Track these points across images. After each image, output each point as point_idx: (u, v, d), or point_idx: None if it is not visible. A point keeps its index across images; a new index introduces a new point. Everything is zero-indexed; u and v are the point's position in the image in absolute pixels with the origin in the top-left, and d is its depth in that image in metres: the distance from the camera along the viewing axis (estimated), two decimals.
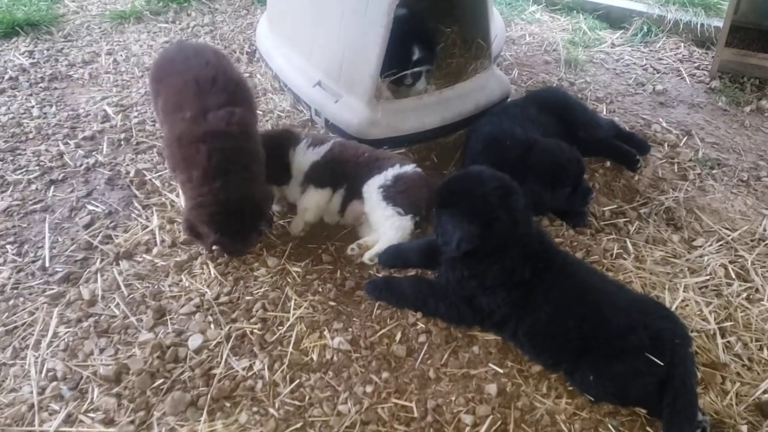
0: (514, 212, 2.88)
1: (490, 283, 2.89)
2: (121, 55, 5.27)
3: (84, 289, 3.22)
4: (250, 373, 2.83)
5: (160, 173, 3.96)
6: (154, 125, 4.41)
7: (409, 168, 3.51)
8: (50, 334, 3.00)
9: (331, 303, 3.15)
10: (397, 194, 3.38)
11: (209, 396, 2.73)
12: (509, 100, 4.28)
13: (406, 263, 3.36)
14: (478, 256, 2.89)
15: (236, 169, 3.12)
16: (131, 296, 3.20)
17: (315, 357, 2.89)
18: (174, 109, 3.25)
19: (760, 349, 2.98)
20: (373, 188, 3.42)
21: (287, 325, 3.03)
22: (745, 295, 3.24)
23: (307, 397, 2.74)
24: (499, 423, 2.65)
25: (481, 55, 4.41)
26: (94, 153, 4.15)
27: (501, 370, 2.86)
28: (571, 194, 3.53)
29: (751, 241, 3.58)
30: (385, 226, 3.37)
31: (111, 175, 3.97)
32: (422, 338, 3.00)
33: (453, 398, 2.75)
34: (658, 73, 5.17)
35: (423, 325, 3.05)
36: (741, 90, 4.91)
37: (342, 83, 4.05)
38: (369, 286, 3.21)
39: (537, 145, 3.57)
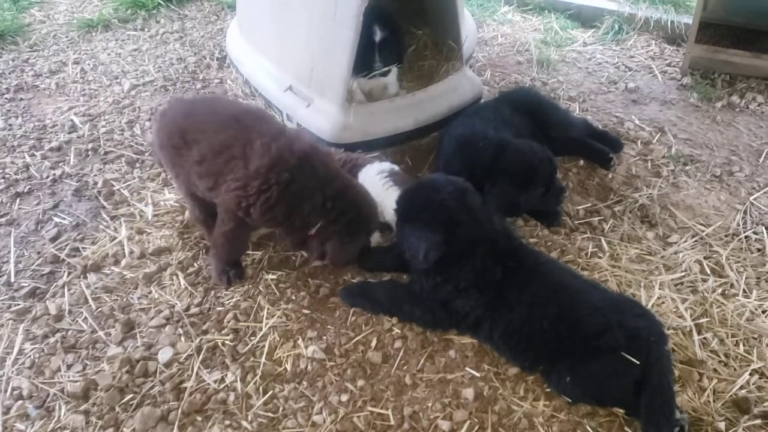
0: (473, 212, 2.89)
1: (464, 285, 2.87)
2: (89, 64, 5.18)
3: (50, 304, 3.15)
4: (222, 386, 2.78)
5: (128, 183, 3.89)
6: (122, 134, 4.34)
7: (393, 165, 3.58)
8: (15, 351, 2.93)
9: (305, 311, 3.10)
10: (399, 180, 3.38)
11: (180, 410, 2.68)
12: (482, 101, 4.25)
13: (381, 267, 3.33)
14: (448, 261, 2.87)
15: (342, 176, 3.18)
16: (99, 310, 3.13)
17: (289, 367, 2.85)
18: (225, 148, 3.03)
19: (736, 344, 2.97)
20: (372, 174, 3.41)
21: (260, 336, 2.98)
22: (720, 290, 3.24)
23: (281, 409, 2.70)
24: (477, 428, 2.63)
25: (453, 57, 4.38)
26: (60, 164, 4.07)
27: (478, 374, 2.83)
28: (545, 194, 3.51)
29: (725, 236, 3.58)
30: None
31: (78, 186, 3.89)
32: (398, 344, 2.96)
33: (430, 404, 2.72)
34: (630, 71, 5.17)
35: (399, 331, 3.01)
36: (712, 86, 4.93)
37: (313, 87, 4.00)
38: (344, 292, 3.17)
39: (509, 146, 3.55)
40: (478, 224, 2.88)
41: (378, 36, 3.95)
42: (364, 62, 3.98)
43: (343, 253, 3.13)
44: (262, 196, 2.91)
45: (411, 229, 2.92)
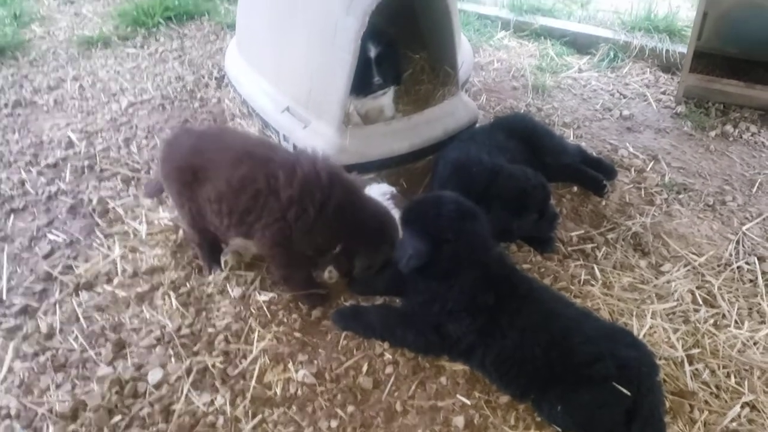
0: (466, 236, 2.92)
1: (452, 308, 2.88)
2: (88, 81, 5.21)
3: (42, 322, 3.14)
4: (211, 409, 2.76)
5: (123, 200, 3.90)
6: (118, 151, 4.35)
7: (392, 188, 3.62)
8: (5, 369, 2.91)
9: (296, 334, 3.09)
10: (399, 203, 3.41)
11: None
12: (477, 125, 4.28)
13: (374, 290, 3.33)
14: (434, 278, 2.92)
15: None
16: (90, 329, 3.12)
17: (279, 391, 2.83)
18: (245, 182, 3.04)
19: (728, 376, 2.97)
20: (375, 195, 3.42)
21: (250, 358, 2.96)
22: (712, 321, 3.24)
23: None
24: None
25: (449, 82, 4.41)
26: (56, 180, 4.07)
27: (469, 402, 2.82)
28: (538, 220, 3.52)
29: (718, 266, 3.60)
30: None
31: (73, 203, 3.89)
32: (389, 369, 2.95)
33: (420, 431, 2.70)
34: (624, 98, 5.22)
35: (390, 356, 3.00)
36: (706, 115, 4.97)
37: (310, 109, 4.02)
38: (336, 315, 3.16)
39: (502, 172, 3.56)
40: (468, 247, 2.90)
41: (373, 52, 3.95)
42: (362, 81, 3.98)
43: (370, 266, 3.18)
44: (299, 222, 2.99)
45: (406, 233, 3.02)
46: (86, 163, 4.23)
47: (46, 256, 3.52)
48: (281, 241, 3.05)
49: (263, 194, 2.99)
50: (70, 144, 4.43)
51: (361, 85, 3.98)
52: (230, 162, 3.06)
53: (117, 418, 2.71)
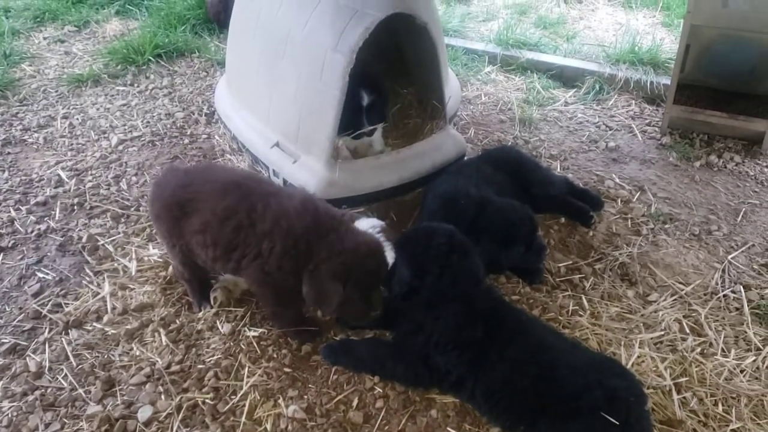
0: (450, 270, 2.99)
1: (438, 339, 2.90)
2: (78, 119, 5.25)
3: (30, 361, 3.13)
4: None
5: (113, 238, 3.91)
6: (108, 188, 4.37)
7: (380, 222, 3.59)
8: None
9: (286, 369, 3.09)
10: (389, 236, 3.39)
11: None
12: (465, 158, 4.33)
13: (364, 324, 3.33)
14: (419, 309, 2.99)
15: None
16: (80, 367, 3.11)
17: (269, 427, 2.82)
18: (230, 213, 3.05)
19: (715, 404, 2.98)
20: (364, 228, 3.39)
21: (240, 394, 2.96)
22: (699, 349, 3.26)
23: None
24: None
25: (437, 116, 4.47)
26: (46, 219, 4.09)
27: None
28: (526, 252, 3.55)
29: (704, 294, 3.63)
30: None
31: (63, 240, 3.90)
32: (379, 403, 2.95)
33: None
34: (610, 130, 5.29)
35: (380, 390, 3.00)
36: (691, 145, 5.04)
37: (299, 144, 4.07)
38: (325, 350, 3.16)
39: (490, 204, 3.61)
40: (451, 280, 2.98)
41: (366, 101, 4.06)
42: (352, 124, 4.09)
43: (358, 302, 3.05)
44: (271, 256, 2.98)
45: (397, 259, 3.11)
46: (76, 200, 4.25)
47: (36, 295, 3.52)
48: (263, 277, 3.05)
49: (244, 227, 3.01)
50: (60, 182, 4.45)
51: (350, 127, 4.08)
52: (216, 193, 3.10)
53: None
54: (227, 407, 2.90)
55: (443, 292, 2.93)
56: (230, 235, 3.02)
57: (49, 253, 3.81)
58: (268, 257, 2.98)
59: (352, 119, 4.05)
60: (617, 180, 4.60)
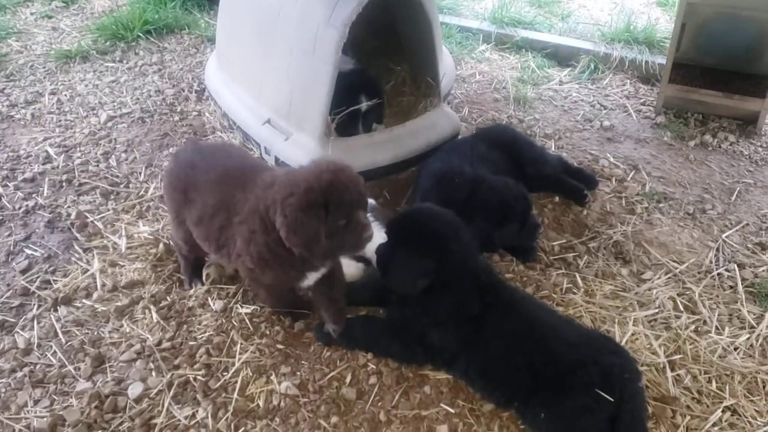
0: (464, 245, 2.91)
1: (442, 318, 2.86)
2: (66, 95, 5.17)
3: (19, 338, 3.10)
4: (192, 422, 2.73)
5: (102, 214, 3.86)
6: (97, 165, 4.32)
7: (372, 200, 3.51)
8: None
9: (279, 346, 3.07)
10: (380, 215, 3.36)
11: None
12: (459, 137, 4.29)
13: (357, 301, 3.31)
14: (430, 291, 2.88)
15: None
16: (69, 344, 3.08)
17: (261, 403, 2.80)
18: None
19: (709, 381, 2.98)
20: None
21: (232, 371, 2.93)
22: (693, 327, 3.25)
23: None
24: None
25: (431, 94, 4.43)
26: (34, 195, 4.03)
27: (452, 410, 2.81)
28: (520, 230, 3.53)
29: (698, 273, 3.62)
30: None
31: (51, 217, 3.85)
32: (373, 380, 2.93)
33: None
34: (605, 109, 5.26)
35: (374, 366, 2.99)
36: (685, 125, 5.02)
37: (291, 121, 4.02)
38: (318, 331, 3.13)
39: (484, 183, 3.58)
40: (465, 257, 2.90)
41: (364, 107, 4.12)
42: (347, 128, 4.11)
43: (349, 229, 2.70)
44: (252, 247, 2.81)
45: (402, 254, 2.92)
46: (64, 177, 4.19)
47: (24, 271, 3.48)
48: (250, 273, 2.96)
49: (225, 226, 2.90)
50: (48, 158, 4.39)
51: (345, 131, 4.11)
52: (211, 184, 2.98)
53: None
54: (219, 384, 2.88)
55: (457, 270, 2.86)
56: (217, 233, 2.93)
57: (37, 230, 3.76)
58: (248, 253, 2.82)
59: (348, 123, 4.11)
60: (611, 159, 4.57)
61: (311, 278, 2.98)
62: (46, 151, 4.44)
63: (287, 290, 3.16)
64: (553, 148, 4.66)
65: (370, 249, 3.17)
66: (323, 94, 3.72)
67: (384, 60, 4.98)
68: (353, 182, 2.66)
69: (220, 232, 2.91)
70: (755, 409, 2.88)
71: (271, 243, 2.72)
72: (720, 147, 4.78)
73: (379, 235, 3.14)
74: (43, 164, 4.32)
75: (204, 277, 3.41)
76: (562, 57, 6.01)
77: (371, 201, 3.51)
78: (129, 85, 5.35)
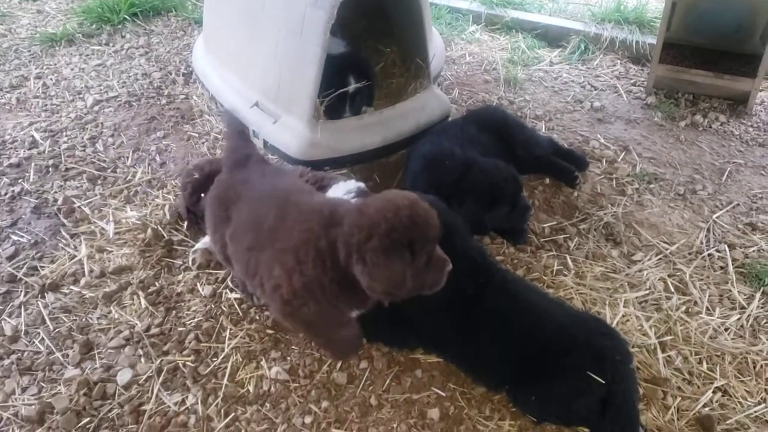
0: (461, 230, 2.92)
1: (437, 301, 2.84)
2: (51, 79, 5.10)
3: (6, 325, 3.07)
4: (182, 408, 2.72)
5: (89, 200, 3.82)
6: (84, 150, 4.27)
7: (360, 183, 3.45)
8: None
9: (269, 331, 3.05)
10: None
11: None
12: (450, 119, 4.26)
13: None
14: None
15: None
16: (57, 330, 3.05)
17: (251, 389, 2.80)
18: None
19: (700, 362, 2.99)
20: (339, 194, 3.26)
21: (222, 356, 2.92)
22: (684, 308, 3.26)
23: (243, 431, 2.64)
24: None
25: (421, 75, 4.38)
26: (20, 180, 3.99)
27: (444, 394, 2.80)
28: (510, 212, 3.52)
29: (689, 254, 3.61)
30: None
31: (38, 203, 3.81)
32: (364, 364, 2.93)
33: (395, 425, 2.69)
34: (595, 90, 5.23)
35: (364, 351, 2.97)
36: (676, 105, 5.00)
37: (280, 104, 3.98)
38: None
39: (474, 165, 3.56)
40: (462, 242, 2.88)
41: (352, 88, 4.05)
42: (335, 109, 4.05)
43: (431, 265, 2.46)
44: (298, 275, 2.47)
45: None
46: (51, 162, 4.14)
47: (10, 258, 3.44)
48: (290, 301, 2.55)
49: (255, 251, 2.61)
50: (34, 143, 4.33)
51: (334, 113, 4.04)
52: (248, 205, 2.72)
53: (85, 420, 2.66)
54: (209, 369, 2.87)
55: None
56: (246, 254, 2.64)
57: (23, 216, 3.72)
58: (289, 284, 2.49)
59: (336, 105, 4.04)
60: (602, 140, 4.55)
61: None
62: (32, 136, 4.39)
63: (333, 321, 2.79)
64: (543, 130, 4.64)
65: None
66: (312, 76, 3.68)
67: (373, 41, 4.92)
68: (431, 215, 2.41)
69: (249, 254, 2.62)
70: (746, 390, 2.89)
71: (326, 280, 2.43)
72: (711, 127, 4.76)
73: None
74: (29, 149, 4.27)
75: (191, 263, 3.38)
76: (552, 37, 5.96)
77: (360, 184, 3.47)
78: (115, 68, 5.28)
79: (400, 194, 2.43)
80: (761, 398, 2.85)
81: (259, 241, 2.58)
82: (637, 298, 3.29)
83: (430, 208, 2.40)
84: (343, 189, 3.33)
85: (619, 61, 5.63)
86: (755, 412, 2.79)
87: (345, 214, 2.41)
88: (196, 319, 3.10)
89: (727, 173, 4.27)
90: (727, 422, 2.74)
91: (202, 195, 3.45)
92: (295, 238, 2.46)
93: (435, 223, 2.39)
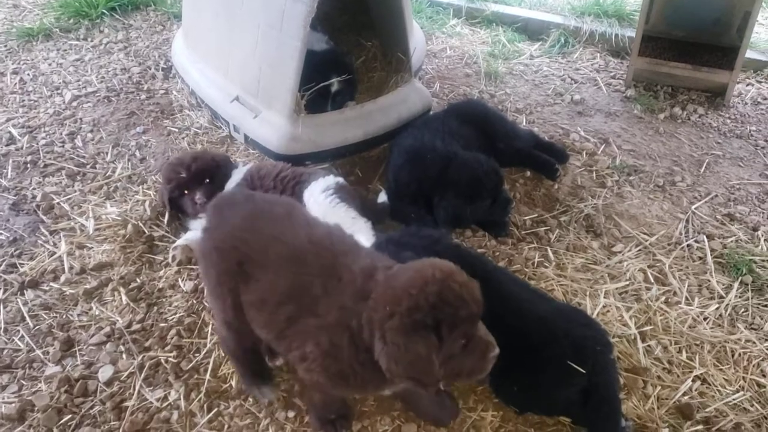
0: None
1: None
2: (29, 75, 5.04)
3: None
4: (165, 404, 2.72)
5: (68, 196, 3.79)
6: (63, 146, 4.23)
7: (338, 178, 3.45)
8: None
9: None
10: (345, 195, 3.28)
11: (121, 430, 2.61)
12: (431, 112, 4.27)
13: None
14: None
15: None
16: (37, 327, 3.03)
17: (234, 384, 2.79)
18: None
19: (679, 351, 3.02)
20: (317, 193, 3.26)
21: (204, 352, 2.92)
22: (663, 298, 3.29)
23: (226, 426, 2.65)
24: None
25: (402, 69, 4.39)
26: None
27: None
28: (491, 205, 3.54)
29: (668, 245, 3.65)
30: (354, 228, 3.01)
31: (16, 200, 3.77)
32: None
33: (378, 418, 2.69)
34: (575, 83, 5.26)
35: None
36: (655, 98, 5.04)
37: (260, 98, 3.96)
38: None
39: (456, 158, 3.58)
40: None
41: (335, 87, 4.07)
42: (316, 106, 4.04)
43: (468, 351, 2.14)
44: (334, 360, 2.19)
45: None
46: (29, 158, 4.10)
47: None
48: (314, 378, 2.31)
49: (295, 318, 2.26)
50: (12, 139, 4.29)
51: (315, 108, 4.03)
52: (281, 262, 2.31)
53: (67, 417, 2.65)
54: (191, 365, 2.86)
55: None
56: (284, 324, 2.28)
57: (1, 213, 3.68)
58: (323, 367, 2.23)
59: (317, 101, 4.05)
60: (582, 133, 4.58)
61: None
62: (9, 132, 4.34)
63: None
64: (524, 123, 4.66)
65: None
66: (292, 70, 3.67)
67: (354, 35, 4.92)
68: (468, 289, 2.07)
69: (288, 323, 2.27)
70: (724, 378, 2.92)
71: (357, 364, 2.15)
72: (689, 119, 4.81)
73: (344, 214, 3.11)
74: (7, 145, 4.22)
75: (171, 259, 3.36)
76: (532, 31, 5.99)
77: (338, 179, 3.44)
78: (94, 63, 5.23)
79: (436, 265, 2.09)
80: (739, 386, 2.89)
81: (302, 311, 2.24)
82: (617, 288, 3.32)
83: (468, 281, 2.09)
84: (322, 186, 3.30)
85: (598, 54, 5.67)
86: (733, 399, 2.82)
87: (374, 286, 2.12)
88: (177, 315, 3.08)
89: (705, 165, 4.31)
90: (707, 410, 2.77)
91: (186, 192, 3.44)
92: (332, 315, 2.16)
93: (473, 300, 2.07)
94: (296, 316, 2.23)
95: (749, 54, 5.08)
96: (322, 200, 3.24)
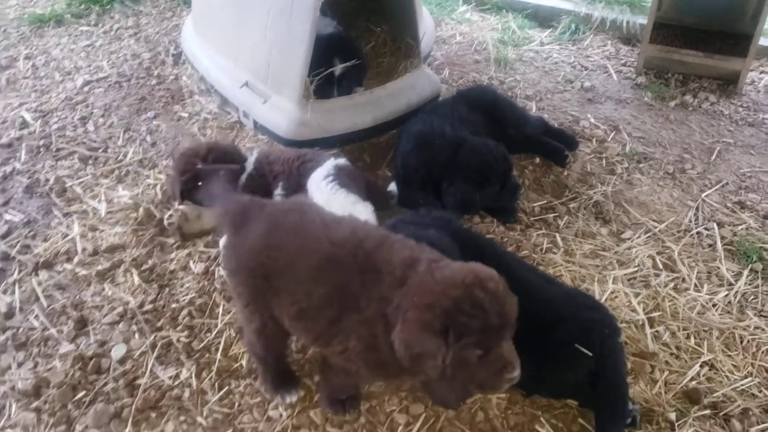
0: None
1: None
2: (41, 60, 5.09)
3: (1, 302, 3.09)
4: (176, 382, 2.76)
5: (81, 179, 3.83)
6: (75, 130, 4.27)
7: (342, 160, 3.44)
8: None
9: None
10: (348, 181, 3.26)
11: (134, 407, 2.66)
12: (440, 98, 4.27)
13: None
14: None
15: None
16: (51, 307, 3.08)
17: (244, 363, 2.83)
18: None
19: (687, 337, 3.03)
20: (318, 181, 3.25)
21: (215, 332, 2.96)
22: (672, 285, 3.30)
23: (236, 404, 2.69)
24: (433, 421, 2.64)
25: (411, 54, 4.39)
26: (11, 161, 4.00)
27: None
28: (500, 191, 3.55)
29: (678, 232, 3.65)
30: (354, 212, 2.96)
31: (29, 183, 3.82)
32: None
33: (386, 398, 2.72)
34: (585, 70, 5.25)
35: None
36: (666, 85, 5.02)
37: (270, 83, 3.98)
38: None
39: (465, 144, 3.58)
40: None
41: (338, 70, 4.03)
42: (326, 90, 4.04)
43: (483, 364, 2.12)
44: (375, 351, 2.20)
45: None
46: (42, 142, 4.15)
47: (4, 236, 3.47)
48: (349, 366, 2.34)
49: (337, 320, 2.25)
50: (25, 124, 4.33)
51: (324, 93, 4.02)
52: (311, 271, 2.30)
53: (81, 393, 2.70)
54: (202, 345, 2.90)
55: None
56: (325, 327, 2.29)
57: (15, 195, 3.73)
58: (364, 359, 2.27)
59: (323, 87, 4.02)
60: (592, 120, 4.57)
61: None
62: (22, 117, 4.38)
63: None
64: (534, 110, 4.66)
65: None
66: (301, 55, 3.68)
67: (363, 20, 4.92)
68: (497, 300, 2.04)
69: (330, 324, 2.27)
70: (732, 364, 2.93)
71: (393, 352, 2.11)
72: (700, 107, 4.79)
73: (344, 199, 3.10)
74: (20, 129, 4.27)
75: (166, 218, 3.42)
76: (542, 18, 5.96)
77: (339, 161, 3.38)
78: (105, 49, 5.26)
79: (474, 270, 2.08)
80: (747, 372, 2.90)
81: (343, 310, 2.23)
82: (625, 275, 3.33)
83: (501, 293, 2.07)
84: (323, 172, 3.25)
85: (609, 42, 5.65)
86: (741, 385, 2.83)
87: (413, 276, 2.12)
88: (189, 296, 3.12)
89: (716, 152, 4.30)
90: (714, 395, 2.78)
91: (199, 183, 3.38)
92: (372, 307, 2.16)
93: (498, 312, 2.02)
94: (338, 317, 2.23)
95: (762, 41, 5.03)
96: (323, 187, 3.23)
